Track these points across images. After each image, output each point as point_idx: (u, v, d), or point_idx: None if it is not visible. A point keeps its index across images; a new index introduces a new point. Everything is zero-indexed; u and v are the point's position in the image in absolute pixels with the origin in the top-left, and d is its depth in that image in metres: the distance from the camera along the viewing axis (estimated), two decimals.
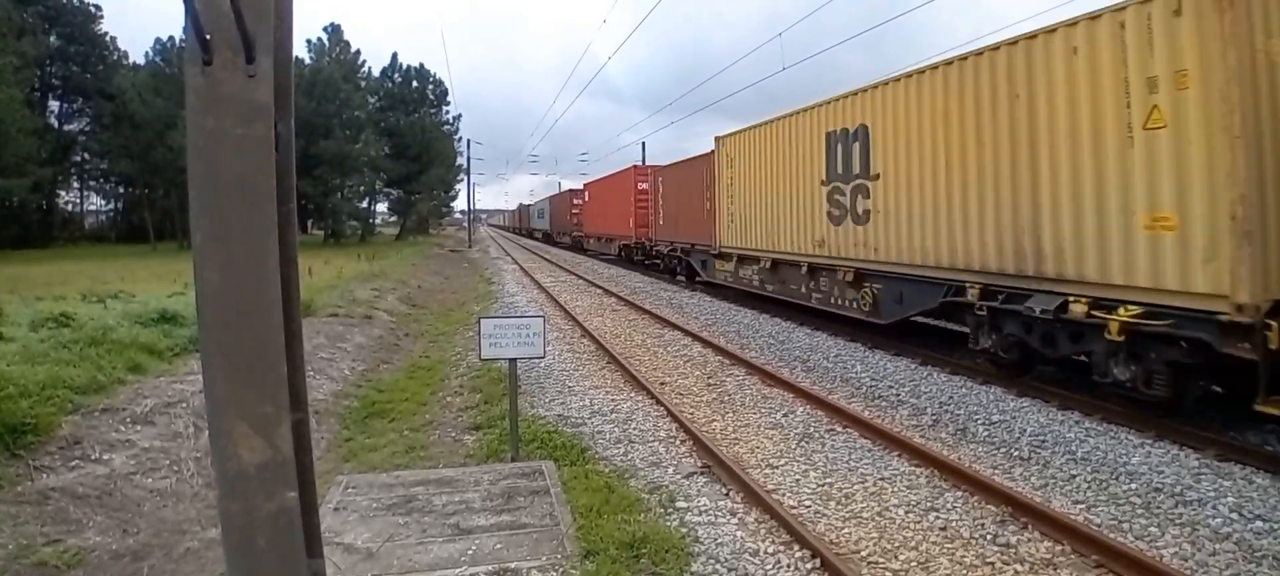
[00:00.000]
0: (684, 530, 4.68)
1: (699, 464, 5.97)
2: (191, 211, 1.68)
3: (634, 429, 6.97)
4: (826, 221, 11.97)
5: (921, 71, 9.46)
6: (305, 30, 56.80)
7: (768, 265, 14.40)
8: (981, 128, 8.31)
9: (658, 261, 23.90)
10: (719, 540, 4.55)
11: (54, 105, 47.30)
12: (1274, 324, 5.42)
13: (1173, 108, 6.16)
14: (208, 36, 1.65)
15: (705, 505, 5.10)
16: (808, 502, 5.16)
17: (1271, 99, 5.77)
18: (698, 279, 19.67)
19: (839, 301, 11.81)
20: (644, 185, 25.16)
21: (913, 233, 9.69)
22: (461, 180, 64.24)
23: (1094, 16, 6.84)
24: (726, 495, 5.31)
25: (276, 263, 1.76)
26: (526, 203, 78.96)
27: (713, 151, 17.18)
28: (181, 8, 1.61)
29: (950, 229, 8.90)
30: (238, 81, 1.69)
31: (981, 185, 8.36)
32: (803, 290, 13.06)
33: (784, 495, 5.26)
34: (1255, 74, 5.72)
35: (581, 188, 39.85)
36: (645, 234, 24.97)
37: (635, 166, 28.06)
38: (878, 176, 10.48)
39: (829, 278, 12.05)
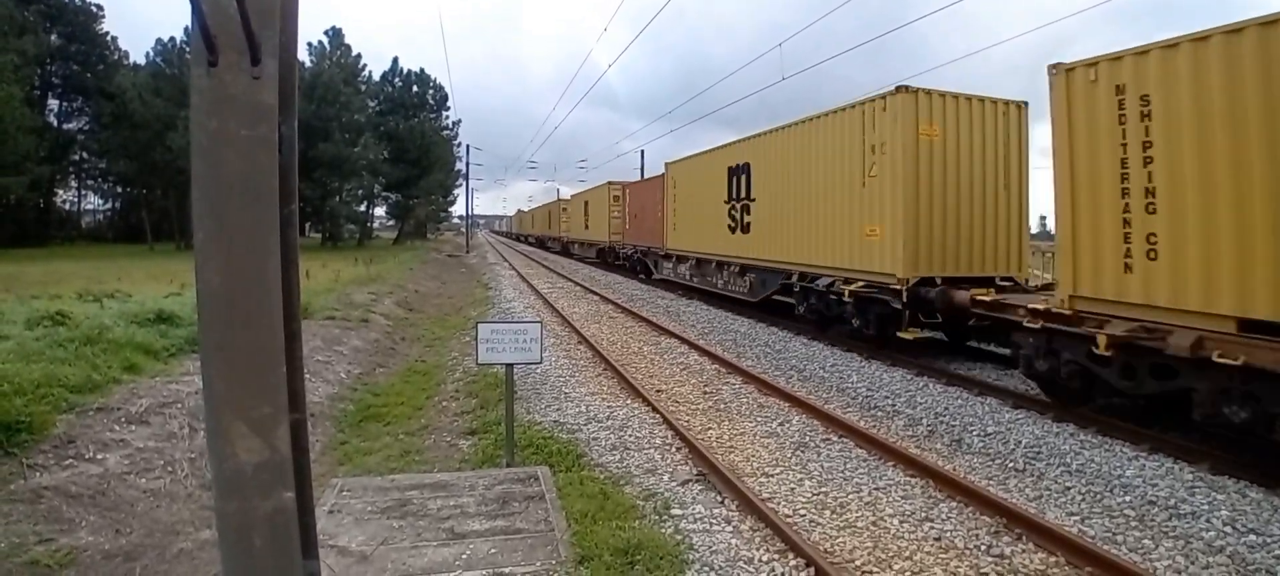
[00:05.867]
0: (678, 537, 4.68)
1: (694, 471, 5.97)
2: (194, 211, 1.69)
3: (630, 436, 6.96)
4: (726, 230, 16.40)
5: (781, 128, 13.72)
6: (306, 33, 56.84)
7: (694, 262, 18.84)
8: (803, 167, 12.80)
9: (624, 262, 28.24)
10: (713, 547, 4.55)
11: (53, 104, 47.10)
12: (907, 287, 9.89)
13: (881, 163, 10.48)
14: (214, 38, 1.66)
15: (700, 512, 5.10)
16: (803, 511, 5.16)
17: (928, 161, 10.07)
18: (654, 276, 23.76)
19: (733, 287, 16.20)
20: (617, 197, 30.04)
21: (770, 238, 14.10)
22: (460, 185, 64.36)
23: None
24: (722, 503, 5.31)
25: (278, 264, 1.77)
26: (523, 208, 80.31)
27: (665, 174, 21.23)
28: (187, 8, 1.62)
29: (789, 237, 13.32)
30: (243, 83, 1.70)
31: (798, 211, 12.87)
32: (713, 280, 17.46)
33: (779, 503, 5.27)
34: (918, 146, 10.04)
35: (568, 198, 46.37)
36: (618, 239, 29.50)
37: (609, 182, 32.09)
38: (754, 200, 14.97)
39: (728, 270, 16.46)
